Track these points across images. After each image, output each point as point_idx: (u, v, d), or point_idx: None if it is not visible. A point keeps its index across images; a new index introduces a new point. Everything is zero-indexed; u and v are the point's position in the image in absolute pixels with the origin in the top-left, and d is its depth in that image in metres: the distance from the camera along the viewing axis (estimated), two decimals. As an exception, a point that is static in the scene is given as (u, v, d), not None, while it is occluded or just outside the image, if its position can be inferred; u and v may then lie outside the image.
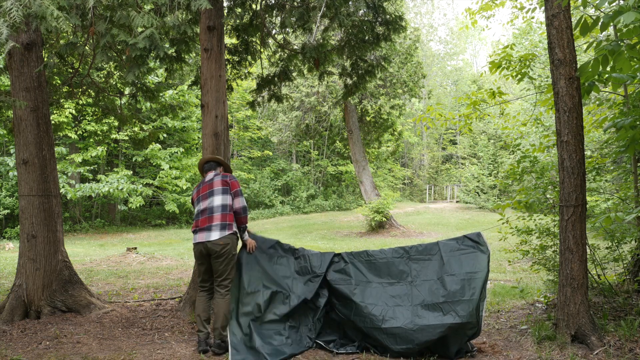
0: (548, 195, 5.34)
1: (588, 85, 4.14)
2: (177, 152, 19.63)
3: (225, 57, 6.23)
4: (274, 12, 6.53)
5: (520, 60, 5.91)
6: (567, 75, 4.03)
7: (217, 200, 4.27)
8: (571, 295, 4.00)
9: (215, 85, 5.38)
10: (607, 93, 5.79)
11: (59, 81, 7.69)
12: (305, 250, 4.69)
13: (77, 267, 8.13)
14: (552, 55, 4.12)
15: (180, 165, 19.76)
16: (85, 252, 12.64)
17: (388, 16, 6.44)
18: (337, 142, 25.20)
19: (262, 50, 7.17)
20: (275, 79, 7.15)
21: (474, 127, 21.85)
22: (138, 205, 18.06)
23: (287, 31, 6.95)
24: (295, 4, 6.24)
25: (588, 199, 4.56)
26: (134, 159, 19.86)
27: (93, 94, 7.83)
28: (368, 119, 18.77)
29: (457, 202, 29.82)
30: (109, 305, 5.70)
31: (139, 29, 4.29)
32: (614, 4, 3.92)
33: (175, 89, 18.25)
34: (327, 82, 17.41)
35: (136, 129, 11.69)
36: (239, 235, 4.42)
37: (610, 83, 4.30)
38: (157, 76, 15.78)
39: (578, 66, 4.04)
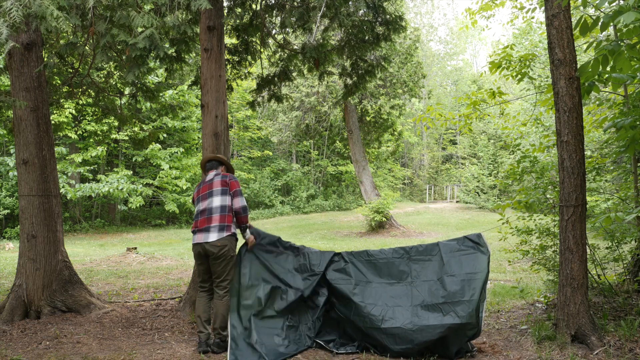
0: (548, 195, 5.34)
1: (588, 85, 4.14)
2: (177, 152, 19.63)
3: (225, 57, 6.23)
4: (274, 12, 6.53)
5: (520, 60, 5.91)
6: (567, 75, 4.03)
7: (216, 201, 4.27)
8: (571, 295, 4.00)
9: (215, 85, 5.38)
10: (607, 93, 5.79)
11: (59, 81, 7.69)
12: (305, 248, 4.69)
13: (77, 267, 8.13)
14: (552, 55, 4.12)
15: (180, 165, 19.76)
16: (85, 252, 12.64)
17: (388, 16, 6.44)
18: (337, 142, 25.20)
19: (262, 50, 7.17)
20: (275, 79, 7.15)
21: (474, 127, 21.85)
22: (138, 205, 18.06)
23: (287, 31, 6.95)
24: (295, 4, 6.24)
25: (588, 199, 4.56)
26: (134, 159, 19.86)
27: (93, 94, 7.83)
28: (368, 119, 18.77)
29: (457, 202, 29.81)
30: (109, 305, 5.70)
31: (139, 29, 4.29)
32: (614, 4, 3.92)
33: (175, 89, 18.25)
34: (327, 82, 17.41)
35: (136, 129, 11.68)
36: (241, 233, 4.42)
37: (610, 83, 4.30)
38: (157, 76, 15.78)
39: (578, 66, 4.04)
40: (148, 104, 10.32)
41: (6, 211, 16.21)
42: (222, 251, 4.17)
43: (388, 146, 25.62)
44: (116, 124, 17.49)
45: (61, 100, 8.04)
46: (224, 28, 6.07)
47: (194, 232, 4.34)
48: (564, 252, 4.08)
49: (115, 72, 8.00)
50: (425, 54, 34.79)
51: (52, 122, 8.24)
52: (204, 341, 4.22)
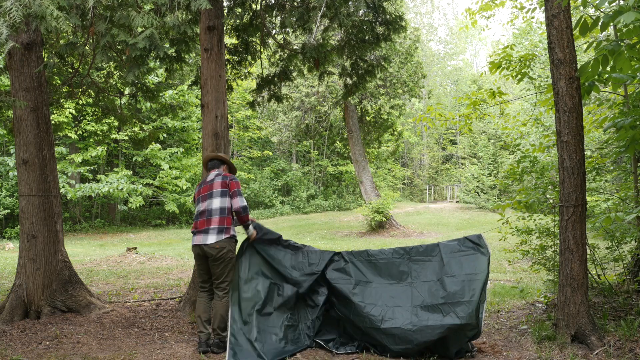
0: (548, 195, 5.34)
1: (588, 85, 4.14)
2: (177, 152, 19.63)
3: (225, 57, 6.23)
4: (274, 12, 6.53)
5: (520, 60, 5.91)
6: (567, 75, 4.03)
7: (216, 202, 4.27)
8: (571, 295, 4.00)
9: (215, 85, 5.38)
10: (607, 93, 5.79)
11: (59, 81, 7.69)
12: (305, 247, 4.69)
13: (77, 267, 8.13)
14: (552, 55, 4.12)
15: (180, 165, 19.75)
16: (85, 252, 12.64)
17: (388, 16, 6.44)
18: (337, 142, 25.19)
19: (262, 50, 7.17)
20: (275, 79, 7.14)
21: (474, 127, 21.85)
22: (138, 205, 18.06)
23: (287, 31, 6.94)
24: (295, 4, 6.24)
25: (588, 199, 4.56)
26: (134, 159, 19.86)
27: (93, 94, 7.83)
28: (368, 119, 18.77)
29: (457, 202, 29.81)
30: (109, 305, 5.70)
31: (139, 29, 4.29)
32: (614, 4, 3.92)
33: (175, 89, 18.25)
34: (327, 82, 17.41)
35: (136, 129, 11.68)
36: (244, 229, 4.43)
37: (610, 83, 4.30)
38: (157, 76, 15.78)
39: (578, 66, 4.04)
40: (148, 104, 10.32)
41: (6, 211, 16.22)
42: (220, 253, 4.17)
43: (388, 146, 25.62)
44: (116, 124, 17.49)
45: (61, 100, 8.04)
46: (224, 28, 6.07)
47: (193, 233, 4.35)
48: (564, 252, 4.08)
49: (115, 72, 8.00)
50: (425, 54, 34.78)
51: (52, 122, 8.24)
52: (204, 341, 4.22)
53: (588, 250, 4.43)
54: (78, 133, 18.34)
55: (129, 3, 4.34)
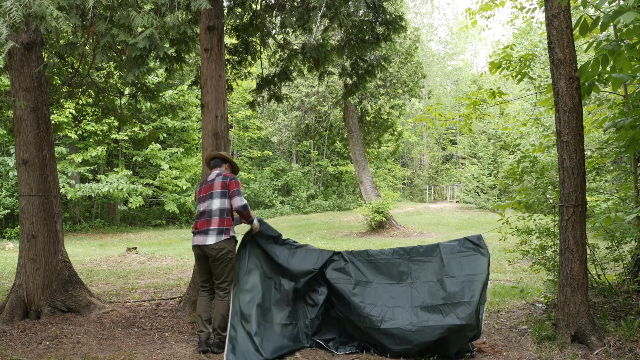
0: (548, 195, 5.34)
1: (588, 85, 4.14)
2: (177, 152, 19.63)
3: (225, 57, 6.23)
4: (274, 12, 6.52)
5: (520, 61, 5.91)
6: (567, 75, 4.03)
7: (216, 203, 4.28)
8: (571, 295, 4.00)
9: (215, 85, 5.38)
10: (607, 93, 5.79)
11: (59, 81, 7.69)
12: (304, 246, 4.69)
13: (77, 267, 8.13)
14: (552, 55, 4.12)
15: (180, 165, 19.75)
16: (85, 252, 12.64)
17: (388, 16, 6.44)
18: (337, 142, 25.19)
19: (262, 50, 7.17)
20: (275, 79, 7.14)
21: (474, 127, 21.85)
22: (138, 205, 18.06)
23: (287, 31, 6.94)
24: (295, 4, 6.24)
25: (588, 199, 4.56)
26: (134, 159, 19.86)
27: (93, 94, 7.83)
28: (368, 119, 18.77)
29: (457, 202, 29.81)
30: (109, 305, 5.70)
31: (139, 29, 4.29)
32: (614, 4, 3.92)
33: (175, 89, 18.25)
34: (327, 82, 17.40)
35: (136, 129, 11.69)
36: (248, 225, 4.45)
37: (610, 83, 4.30)
38: (157, 76, 15.78)
39: (578, 66, 4.04)
40: (148, 104, 10.32)
41: (6, 211, 16.21)
42: (220, 254, 4.18)
43: (388, 146, 25.62)
44: (116, 124, 17.49)
45: (61, 100, 8.04)
46: (224, 28, 6.07)
47: (194, 234, 4.37)
48: (564, 252, 4.08)
49: (115, 72, 8.00)
50: (425, 54, 34.79)
51: (52, 122, 8.25)
52: (204, 341, 4.22)
53: (588, 250, 4.43)
54: (78, 133, 18.34)
55: (129, 3, 4.34)
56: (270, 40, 7.17)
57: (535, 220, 5.48)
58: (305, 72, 7.36)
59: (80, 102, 9.34)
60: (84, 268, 9.22)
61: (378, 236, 16.08)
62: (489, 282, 4.79)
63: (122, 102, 8.31)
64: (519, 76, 5.93)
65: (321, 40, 6.62)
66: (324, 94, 19.02)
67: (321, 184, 29.19)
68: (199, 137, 21.61)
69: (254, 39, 7.01)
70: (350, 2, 6.12)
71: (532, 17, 8.49)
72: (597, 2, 3.56)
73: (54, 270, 5.40)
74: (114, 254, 11.47)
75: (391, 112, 18.38)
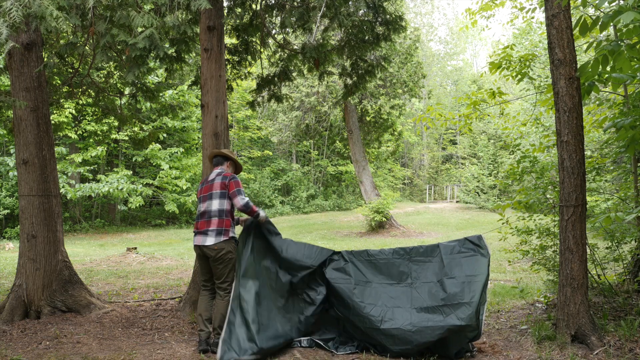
0: (548, 195, 5.34)
1: (588, 85, 4.14)
2: (177, 152, 19.63)
3: (225, 57, 6.23)
4: (274, 12, 6.52)
5: (520, 61, 5.91)
6: (567, 75, 4.03)
7: (215, 204, 4.29)
8: (571, 295, 4.00)
9: (215, 85, 5.38)
10: (607, 93, 5.79)
11: (59, 81, 7.69)
12: (303, 243, 4.68)
13: (77, 267, 8.13)
14: (552, 55, 4.12)
15: (180, 165, 19.75)
16: (85, 252, 12.64)
17: (388, 16, 6.44)
18: (337, 142, 25.19)
19: (262, 50, 7.17)
20: (275, 79, 7.14)
21: (474, 127, 21.85)
22: (138, 205, 18.06)
23: (287, 31, 6.94)
24: (295, 4, 6.24)
25: (588, 199, 4.56)
26: (134, 159, 19.86)
27: (93, 94, 7.83)
28: (368, 119, 18.77)
29: (457, 202, 29.81)
30: (109, 305, 5.70)
31: (139, 29, 4.29)
32: (613, 4, 3.92)
33: (175, 89, 18.24)
34: (327, 82, 17.40)
35: (136, 129, 11.69)
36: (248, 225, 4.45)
37: (610, 83, 4.30)
38: (157, 76, 15.78)
39: (578, 66, 4.04)
40: (148, 104, 10.32)
41: (6, 211, 16.21)
42: (219, 254, 4.20)
43: (388, 146, 25.62)
44: (116, 124, 17.49)
45: (61, 100, 8.04)
46: (224, 28, 6.07)
47: (194, 233, 4.39)
48: (564, 252, 4.08)
49: (115, 72, 8.00)
50: (425, 54, 34.79)
51: (52, 122, 8.25)
52: (204, 340, 4.23)
53: (588, 250, 4.43)
54: (78, 133, 18.34)
55: (129, 3, 4.34)
56: (270, 40, 7.17)
57: (535, 220, 5.48)
58: (305, 72, 7.36)
59: (80, 102, 9.34)
60: (84, 268, 9.22)
61: (378, 236, 16.08)
62: (489, 282, 4.79)
63: (122, 102, 8.31)
64: (519, 76, 5.93)
65: (321, 40, 6.62)
66: (324, 94, 19.01)
67: (321, 184, 29.19)
68: (199, 137, 21.61)
69: (254, 39, 7.01)
70: (350, 2, 6.12)
71: (532, 17, 8.49)
72: (597, 2, 3.56)
73: (54, 270, 5.40)
74: (114, 254, 11.47)
75: (391, 112, 18.38)
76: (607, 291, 4.90)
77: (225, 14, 6.04)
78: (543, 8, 5.65)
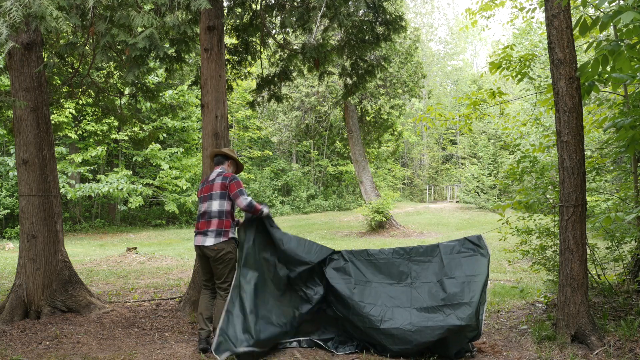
0: (548, 195, 5.34)
1: (588, 85, 4.14)
2: (177, 152, 19.62)
3: (225, 57, 6.23)
4: (274, 12, 6.52)
5: (520, 61, 5.91)
6: (567, 75, 4.03)
7: (215, 205, 4.29)
8: (571, 295, 4.00)
9: (215, 85, 5.38)
10: (607, 93, 5.79)
11: (59, 81, 7.69)
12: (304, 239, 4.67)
13: (77, 267, 8.13)
14: (552, 55, 4.12)
15: (180, 165, 19.75)
16: (85, 252, 12.64)
17: (388, 16, 6.44)
18: (337, 142, 25.19)
19: (262, 50, 7.17)
20: (275, 79, 7.14)
21: (474, 127, 21.85)
22: (138, 205, 18.06)
23: (287, 31, 6.94)
24: (295, 4, 6.24)
25: (588, 199, 4.56)
26: (134, 159, 19.86)
27: (93, 94, 7.83)
28: (368, 119, 18.77)
29: (457, 202, 29.82)
30: (109, 305, 5.70)
31: (139, 29, 4.29)
32: (613, 4, 3.92)
33: (175, 89, 18.24)
34: (327, 82, 17.40)
35: (136, 129, 11.69)
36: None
37: (610, 83, 4.30)
38: (157, 76, 15.77)
39: (578, 66, 4.04)
40: (148, 104, 10.32)
41: (6, 211, 16.21)
42: (219, 255, 4.21)
43: (388, 146, 25.62)
44: (116, 124, 17.48)
45: (61, 100, 8.04)
46: (224, 28, 6.07)
47: (195, 234, 4.40)
48: (564, 252, 4.08)
49: (115, 72, 8.00)
50: (425, 54, 34.79)
51: (52, 122, 8.24)
52: (204, 338, 4.23)
53: (588, 250, 4.43)
54: (78, 133, 18.34)
55: (129, 3, 4.34)
56: (270, 40, 7.17)
57: (535, 220, 5.48)
58: (305, 72, 7.36)
59: (80, 102, 9.34)
60: (84, 268, 9.22)
61: (378, 236, 16.08)
62: (489, 282, 4.79)
63: (122, 102, 8.31)
64: (519, 76, 5.93)
65: (321, 40, 6.62)
66: (324, 94, 19.01)
67: (321, 184, 29.19)
68: (199, 137, 21.60)
69: (254, 39, 7.01)
70: (350, 2, 6.11)
71: (532, 17, 8.49)
72: (597, 2, 3.56)
73: (54, 270, 5.40)
74: (114, 254, 11.46)
75: (391, 112, 18.38)
76: (607, 291, 4.90)
77: (225, 14, 6.04)
78: (543, 8, 5.65)
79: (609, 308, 4.67)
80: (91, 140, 18.74)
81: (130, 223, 21.37)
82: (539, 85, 7.02)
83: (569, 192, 4.05)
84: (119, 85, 8.40)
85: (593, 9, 5.57)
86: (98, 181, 17.96)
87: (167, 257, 10.96)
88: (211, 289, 4.42)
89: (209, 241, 4.22)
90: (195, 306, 5.04)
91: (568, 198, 4.05)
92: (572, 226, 4.03)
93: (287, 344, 4.32)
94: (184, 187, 19.39)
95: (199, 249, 4.30)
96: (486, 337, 4.45)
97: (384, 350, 4.05)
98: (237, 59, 7.15)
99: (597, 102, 5.81)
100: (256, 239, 4.40)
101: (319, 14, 5.41)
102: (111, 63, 7.02)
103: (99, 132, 18.16)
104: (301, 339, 4.38)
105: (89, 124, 17.82)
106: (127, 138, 18.05)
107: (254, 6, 6.60)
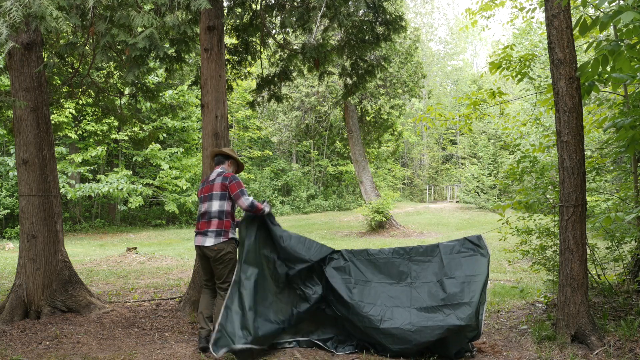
0: (548, 195, 5.34)
1: (588, 85, 4.14)
2: (177, 152, 19.62)
3: (225, 57, 6.23)
4: (274, 12, 6.52)
5: (520, 61, 5.91)
6: (567, 75, 4.03)
7: (215, 205, 4.29)
8: (571, 295, 4.00)
9: (215, 85, 5.38)
10: (607, 93, 5.79)
11: (59, 81, 7.69)
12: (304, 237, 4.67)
13: (77, 267, 8.13)
14: (552, 55, 4.12)
15: (180, 165, 19.75)
16: (85, 252, 12.64)
17: (388, 16, 6.44)
18: (337, 142, 25.19)
19: (262, 50, 7.17)
20: (275, 79, 7.14)
21: (474, 127, 21.85)
22: (138, 205, 18.06)
23: (287, 31, 6.94)
24: (295, 4, 6.24)
25: (588, 199, 4.56)
26: (134, 159, 19.86)
27: (93, 94, 7.83)
28: (368, 119, 18.77)
29: (457, 202, 29.82)
30: (109, 305, 5.70)
31: (139, 29, 4.29)
32: (613, 4, 3.92)
33: (175, 89, 18.24)
34: (327, 82, 17.40)
35: (136, 129, 11.69)
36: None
37: (610, 83, 4.30)
38: (157, 76, 15.77)
39: (578, 66, 4.04)
40: (148, 104, 10.32)
41: (6, 211, 16.21)
42: (219, 255, 4.21)
43: (388, 146, 25.62)
44: (116, 124, 17.48)
45: (61, 100, 8.04)
46: (224, 28, 6.07)
47: (195, 234, 4.41)
48: (564, 252, 4.08)
49: (115, 72, 8.00)
50: (425, 54, 34.79)
51: (52, 122, 8.25)
52: (204, 337, 4.24)
53: (588, 250, 4.43)
54: (78, 133, 18.34)
55: (129, 3, 4.34)
56: (270, 40, 7.17)
57: (535, 220, 5.48)
58: (305, 72, 7.36)
59: (80, 102, 9.34)
60: (84, 268, 9.22)
61: (378, 236, 16.08)
62: (489, 282, 4.79)
63: (122, 102, 8.31)
64: (519, 76, 5.93)
65: (321, 40, 6.62)
66: (324, 94, 19.01)
67: (321, 184, 29.19)
68: (199, 137, 21.60)
69: (254, 39, 7.01)
70: (350, 2, 6.11)
71: (532, 17, 8.49)
72: (597, 2, 3.56)
73: (54, 270, 5.40)
74: (114, 254, 11.47)
75: (391, 112, 18.38)
76: (607, 291, 4.90)
77: (225, 14, 6.04)
78: (543, 8, 5.65)
79: (609, 308, 4.67)
80: (91, 140, 18.74)
81: (130, 223, 21.37)
82: (539, 85, 7.01)
83: (569, 192, 4.05)
84: (119, 85, 8.40)
85: (593, 9, 5.57)
86: (98, 181, 17.95)
87: (167, 257, 10.97)
88: (212, 288, 4.43)
89: (209, 241, 4.23)
90: (195, 306, 5.04)
91: (568, 198, 4.05)
92: (572, 226, 4.03)
93: (287, 344, 4.32)
94: (184, 187, 19.39)
95: (199, 249, 4.30)
96: (486, 337, 4.45)
97: (384, 350, 4.05)
98: (237, 59, 7.15)
99: (597, 102, 5.81)
100: (257, 236, 4.40)
101: (319, 14, 5.41)
102: (111, 63, 7.02)
103: (99, 132, 18.16)
104: (300, 339, 4.38)
105: (89, 124, 17.82)
106: (127, 138, 18.05)
107: (254, 6, 6.60)
